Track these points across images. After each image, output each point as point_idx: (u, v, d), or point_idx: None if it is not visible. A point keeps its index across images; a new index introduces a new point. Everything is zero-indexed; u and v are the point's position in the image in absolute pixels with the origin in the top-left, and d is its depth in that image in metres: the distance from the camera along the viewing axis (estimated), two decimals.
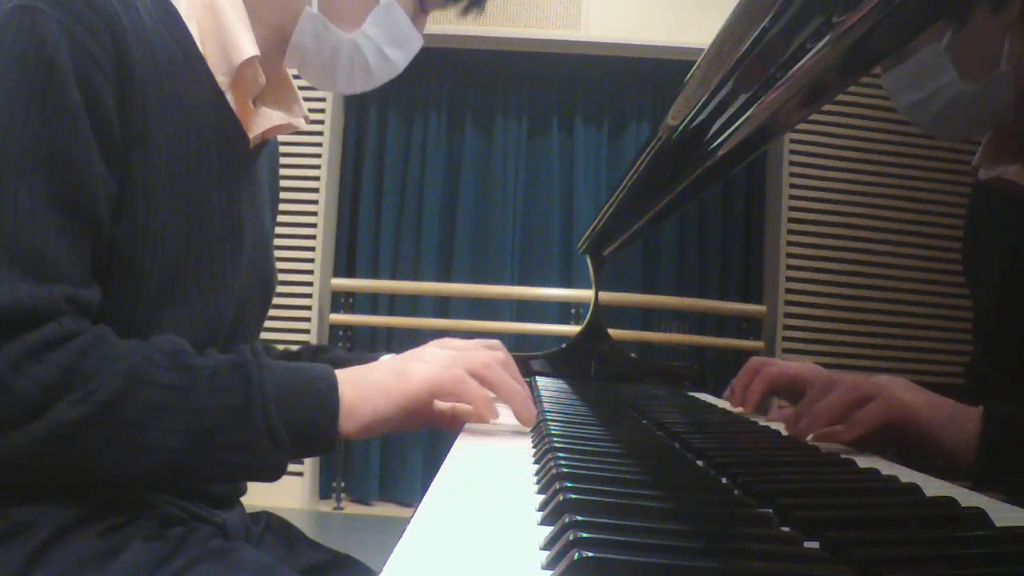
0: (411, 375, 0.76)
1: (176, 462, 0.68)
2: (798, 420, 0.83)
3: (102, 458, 0.67)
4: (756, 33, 0.61)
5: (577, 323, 3.68)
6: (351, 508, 3.92)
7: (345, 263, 4.20)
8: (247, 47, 0.83)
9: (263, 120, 0.89)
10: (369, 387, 0.75)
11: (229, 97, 0.84)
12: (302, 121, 0.94)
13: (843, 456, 0.73)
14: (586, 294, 3.65)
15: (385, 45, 0.92)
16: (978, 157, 0.98)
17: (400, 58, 0.95)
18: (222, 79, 0.83)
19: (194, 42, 0.82)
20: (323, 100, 3.87)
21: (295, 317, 3.80)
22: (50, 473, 0.69)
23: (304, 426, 0.72)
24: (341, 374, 0.75)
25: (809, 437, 0.82)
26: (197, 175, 0.80)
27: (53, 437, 0.65)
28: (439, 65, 4.19)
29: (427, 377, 0.76)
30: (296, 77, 0.97)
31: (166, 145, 0.76)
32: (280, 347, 1.09)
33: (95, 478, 0.69)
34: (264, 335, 1.12)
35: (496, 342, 0.92)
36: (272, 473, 0.72)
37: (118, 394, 0.66)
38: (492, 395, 0.79)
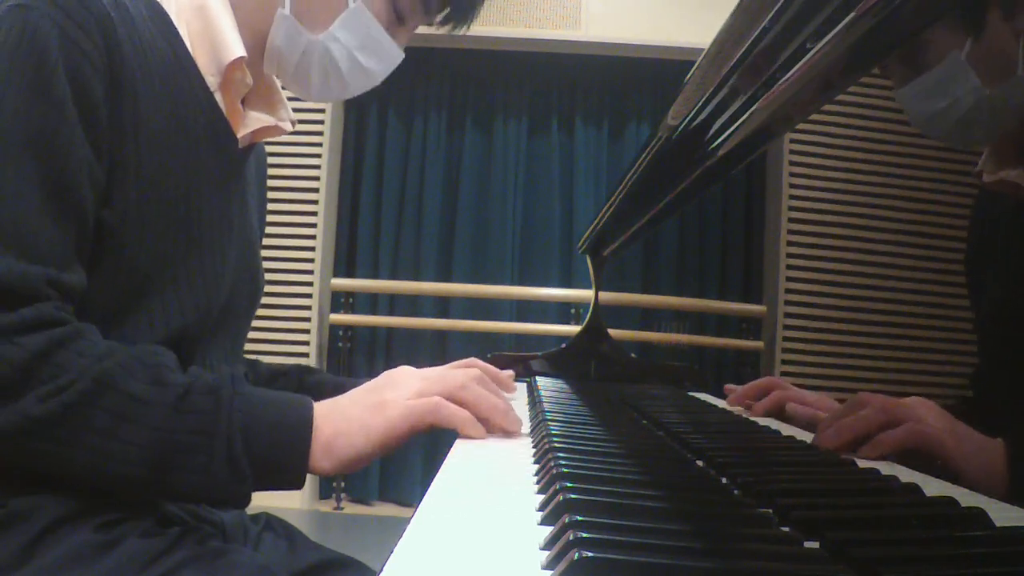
0: (388, 407, 0.74)
1: (136, 475, 0.68)
2: (825, 430, 0.82)
3: (65, 458, 0.68)
4: (756, 33, 0.61)
5: (577, 323, 3.68)
6: (351, 508, 3.92)
7: (345, 263, 4.20)
8: (235, 48, 0.85)
9: (251, 122, 0.91)
10: (346, 424, 0.73)
11: (218, 97, 0.86)
12: (288, 124, 0.96)
13: (843, 456, 0.73)
14: (586, 294, 3.65)
15: (356, 50, 0.92)
16: (982, 161, 0.98)
17: (376, 68, 0.94)
18: (211, 80, 0.85)
19: (184, 43, 0.84)
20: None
21: (295, 317, 3.80)
22: (15, 465, 0.70)
23: (270, 461, 0.70)
24: (319, 408, 0.73)
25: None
26: (187, 168, 0.82)
27: (18, 430, 0.66)
28: (439, 65, 4.19)
29: (405, 410, 0.73)
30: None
31: (158, 137, 0.78)
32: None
33: (59, 476, 0.70)
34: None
35: (472, 360, 0.92)
36: (233, 501, 0.71)
37: (86, 397, 0.67)
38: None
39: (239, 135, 0.89)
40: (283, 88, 0.98)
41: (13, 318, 0.67)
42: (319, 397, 0.76)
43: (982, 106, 0.87)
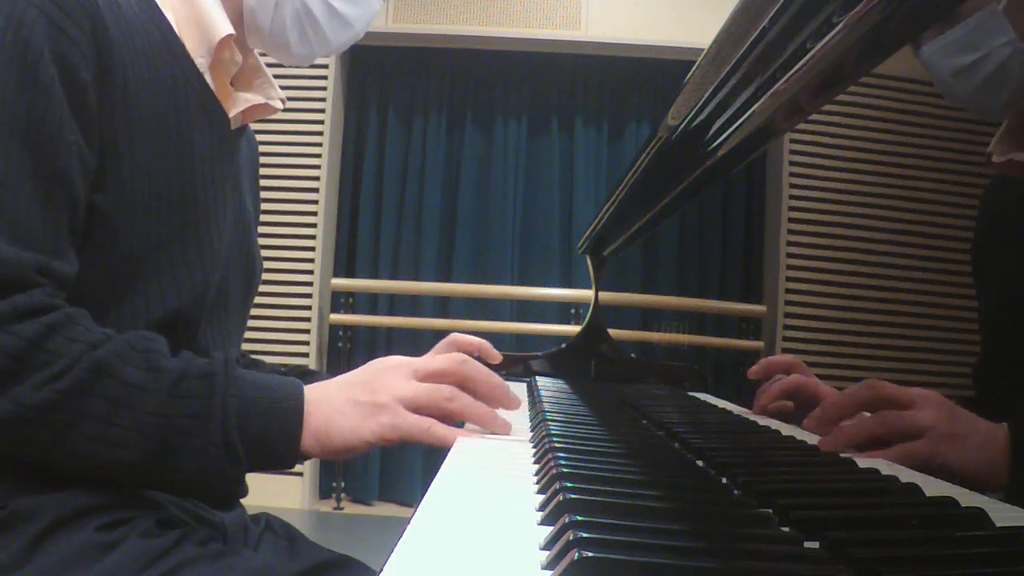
0: (382, 413, 0.75)
1: (133, 461, 0.69)
2: (821, 424, 0.83)
3: (63, 446, 0.68)
4: (756, 33, 0.61)
5: (577, 323, 3.68)
6: (351, 508, 3.92)
7: (345, 263, 4.20)
8: (223, 26, 0.86)
9: (241, 101, 0.92)
10: (340, 418, 0.74)
11: (208, 78, 0.87)
12: (278, 103, 0.96)
13: (843, 456, 0.73)
14: (586, 294, 3.65)
15: None
16: (994, 142, 0.97)
17: (354, 14, 0.94)
18: (200, 61, 0.86)
19: (171, 27, 0.85)
20: (323, 100, 3.87)
21: (295, 317, 3.80)
22: (15, 456, 0.70)
23: (262, 445, 0.72)
24: (309, 394, 0.75)
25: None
26: (179, 149, 0.82)
27: (15, 419, 0.66)
28: (439, 65, 4.19)
29: (400, 421, 0.74)
30: (270, 65, 0.99)
31: (149, 121, 0.79)
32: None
33: (58, 465, 0.71)
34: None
35: (454, 336, 0.91)
36: (230, 484, 0.74)
37: (81, 385, 0.68)
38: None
39: (230, 115, 0.90)
40: (266, 57, 0.98)
41: (6, 306, 0.67)
42: None
43: (1014, 63, 0.85)
